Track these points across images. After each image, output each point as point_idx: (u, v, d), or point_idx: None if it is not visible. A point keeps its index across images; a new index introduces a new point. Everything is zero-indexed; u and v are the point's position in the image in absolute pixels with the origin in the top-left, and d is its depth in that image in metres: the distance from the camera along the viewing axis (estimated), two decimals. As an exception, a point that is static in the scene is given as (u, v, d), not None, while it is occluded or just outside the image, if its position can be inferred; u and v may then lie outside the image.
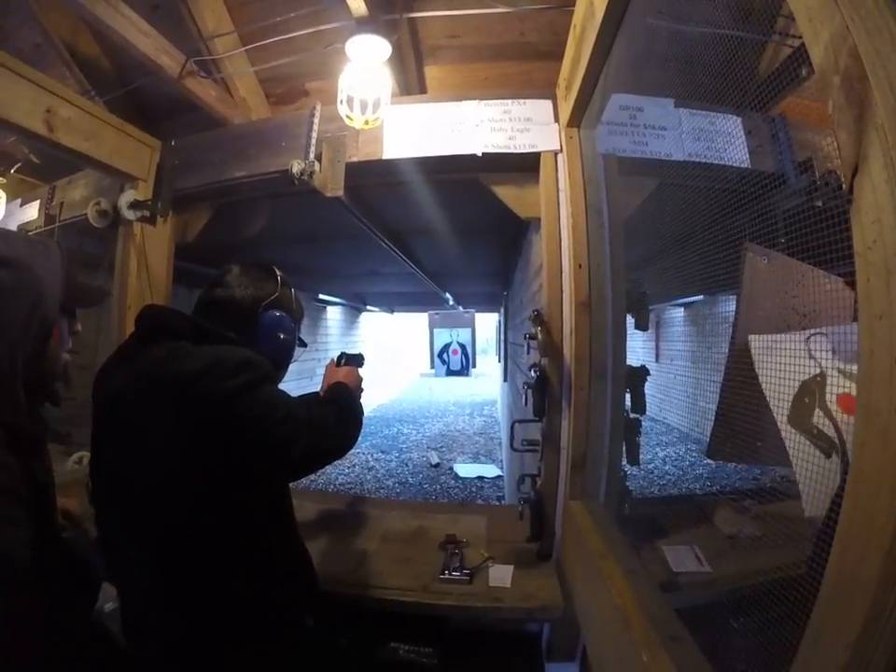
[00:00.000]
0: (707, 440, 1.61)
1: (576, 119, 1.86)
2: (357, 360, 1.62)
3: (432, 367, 11.88)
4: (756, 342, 1.37)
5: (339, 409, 1.28)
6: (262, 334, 1.29)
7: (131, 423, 1.04)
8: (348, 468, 7.99)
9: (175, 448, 0.99)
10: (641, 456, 1.90)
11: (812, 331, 1.22)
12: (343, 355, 1.63)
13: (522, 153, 2.00)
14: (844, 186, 0.61)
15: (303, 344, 1.47)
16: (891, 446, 0.55)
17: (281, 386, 1.19)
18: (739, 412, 1.39)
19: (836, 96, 0.61)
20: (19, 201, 3.07)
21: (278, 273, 1.39)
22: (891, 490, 0.54)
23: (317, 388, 1.53)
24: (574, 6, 1.64)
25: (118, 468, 1.05)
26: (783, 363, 1.25)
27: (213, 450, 0.99)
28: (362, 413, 1.41)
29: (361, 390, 1.52)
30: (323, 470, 7.43)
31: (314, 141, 2.17)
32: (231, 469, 1.01)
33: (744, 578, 1.41)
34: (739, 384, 1.42)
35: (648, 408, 1.93)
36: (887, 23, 0.55)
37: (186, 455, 0.99)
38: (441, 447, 9.56)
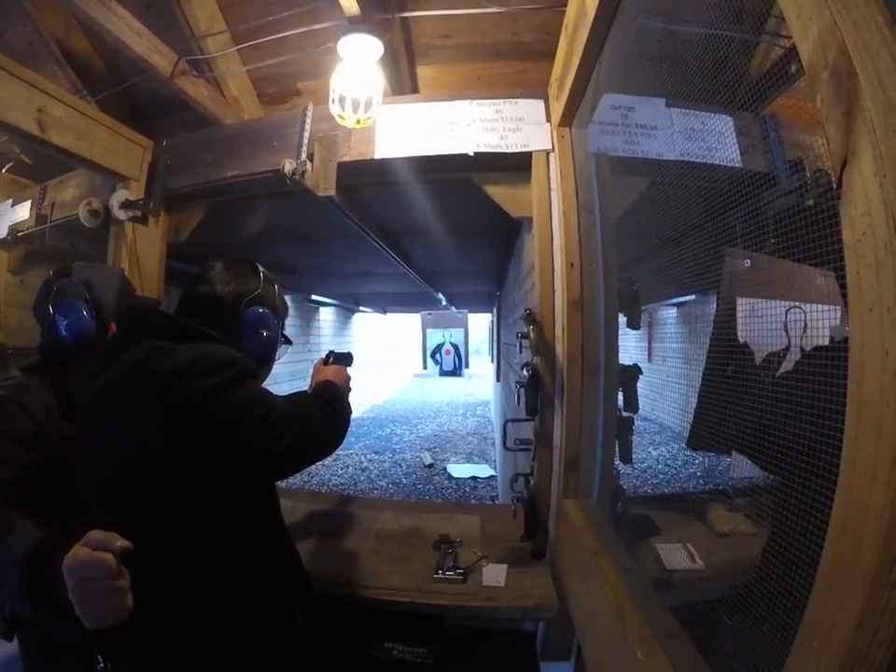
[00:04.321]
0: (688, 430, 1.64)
1: (568, 119, 1.87)
2: (345, 359, 1.61)
3: (425, 367, 11.86)
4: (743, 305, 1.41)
5: (325, 407, 1.26)
6: (244, 331, 1.28)
7: (112, 422, 1.03)
8: (342, 468, 7.98)
9: (157, 447, 0.98)
10: (634, 455, 1.90)
11: (792, 304, 1.24)
12: (331, 353, 1.62)
13: (514, 152, 2.00)
14: (833, 179, 0.61)
15: (288, 342, 1.46)
16: (884, 438, 0.55)
17: (275, 388, 1.19)
18: (717, 404, 1.41)
19: (825, 91, 0.62)
20: (10, 201, 3.05)
21: (261, 268, 1.38)
22: (885, 482, 0.54)
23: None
24: (566, 5, 1.65)
25: (100, 467, 1.04)
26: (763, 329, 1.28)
27: (194, 449, 0.98)
28: (350, 412, 1.40)
29: (349, 389, 1.51)
30: (316, 471, 7.43)
31: (305, 140, 2.17)
32: (213, 468, 1.01)
33: (737, 575, 1.42)
34: (718, 377, 1.45)
35: (640, 407, 1.94)
36: (874, 17, 0.55)
37: (167, 453, 0.98)
38: (435, 447, 9.57)
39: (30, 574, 0.89)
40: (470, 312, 11.38)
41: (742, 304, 1.46)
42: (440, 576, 1.73)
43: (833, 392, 0.82)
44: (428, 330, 11.45)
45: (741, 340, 1.42)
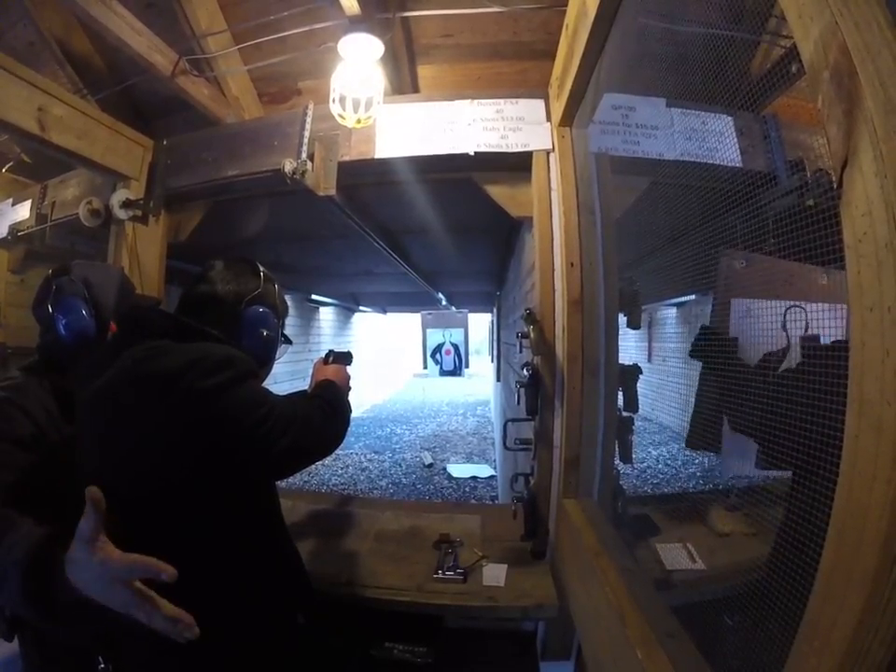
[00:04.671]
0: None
1: (568, 119, 1.87)
2: (345, 358, 1.61)
3: (425, 367, 11.85)
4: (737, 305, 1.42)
5: (325, 406, 1.26)
6: (245, 330, 1.27)
7: (112, 422, 1.03)
8: (342, 468, 7.99)
9: (157, 447, 0.98)
10: (634, 455, 1.90)
11: (791, 303, 1.24)
12: (331, 352, 1.62)
13: (514, 152, 2.00)
14: (834, 179, 0.61)
15: (288, 341, 1.46)
16: (885, 437, 0.55)
17: (275, 388, 1.18)
18: (714, 404, 1.42)
19: (826, 91, 0.62)
20: (10, 200, 3.05)
21: (261, 268, 1.37)
22: (885, 481, 0.54)
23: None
24: (567, 5, 1.65)
25: (100, 467, 1.04)
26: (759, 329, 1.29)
27: (194, 448, 0.98)
28: (350, 411, 1.40)
29: (349, 388, 1.51)
30: (316, 471, 7.43)
31: (306, 140, 2.17)
32: (213, 468, 1.00)
33: (737, 575, 1.42)
34: (714, 378, 1.46)
35: (640, 407, 1.95)
36: (875, 17, 0.56)
37: (167, 453, 0.98)
38: (435, 447, 9.57)
39: (30, 574, 0.89)
40: (470, 312, 11.38)
41: (735, 305, 1.47)
42: (440, 576, 1.73)
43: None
44: (428, 330, 11.43)
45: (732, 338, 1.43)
